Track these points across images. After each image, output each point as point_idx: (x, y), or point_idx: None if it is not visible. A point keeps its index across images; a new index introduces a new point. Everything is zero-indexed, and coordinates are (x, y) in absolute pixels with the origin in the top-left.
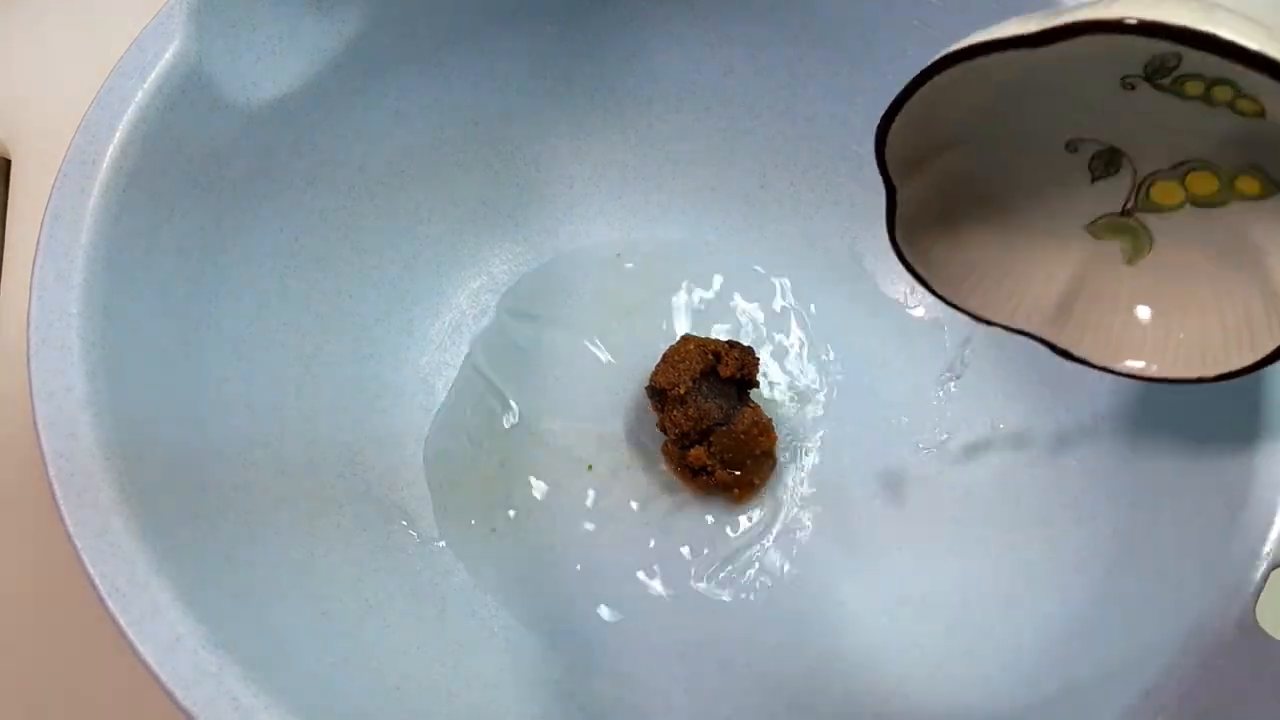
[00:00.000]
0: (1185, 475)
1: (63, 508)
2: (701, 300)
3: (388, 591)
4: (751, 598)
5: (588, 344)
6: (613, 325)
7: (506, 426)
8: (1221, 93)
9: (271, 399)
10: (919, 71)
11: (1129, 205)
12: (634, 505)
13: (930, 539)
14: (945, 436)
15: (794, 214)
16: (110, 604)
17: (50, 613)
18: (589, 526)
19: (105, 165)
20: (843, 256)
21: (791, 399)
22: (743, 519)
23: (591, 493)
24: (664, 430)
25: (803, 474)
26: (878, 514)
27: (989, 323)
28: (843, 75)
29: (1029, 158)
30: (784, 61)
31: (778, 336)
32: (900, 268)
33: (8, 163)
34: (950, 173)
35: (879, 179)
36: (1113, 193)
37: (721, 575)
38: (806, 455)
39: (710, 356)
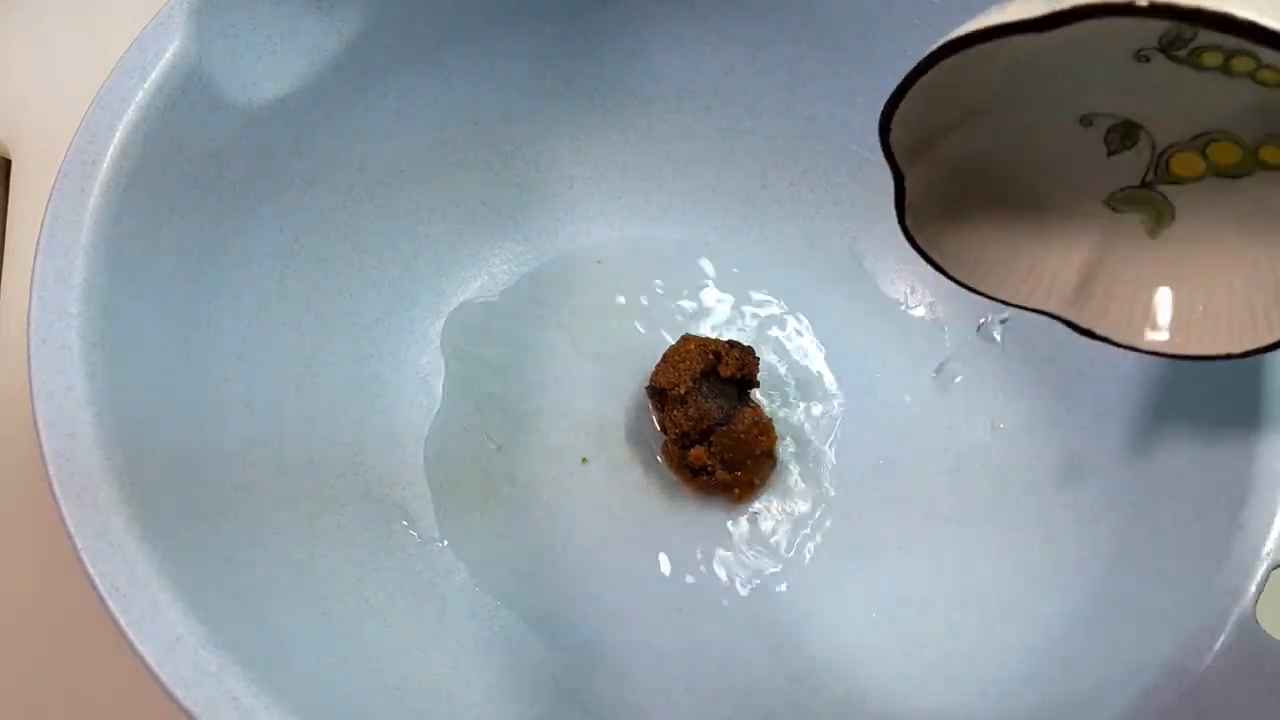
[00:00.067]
0: (1185, 475)
1: (63, 507)
2: (702, 300)
3: (388, 591)
4: (751, 597)
5: (588, 344)
6: (613, 325)
7: (506, 426)
8: (1242, 64)
9: (271, 399)
10: (921, 58)
11: (1148, 177)
12: (634, 505)
13: (930, 539)
14: (945, 437)
15: (794, 214)
16: (110, 604)
17: (50, 613)
18: (589, 526)
19: (105, 165)
20: (843, 256)
21: (792, 399)
22: (743, 519)
23: (591, 493)
24: (664, 430)
25: (803, 474)
26: (877, 514)
27: (1007, 304)
28: (843, 75)
29: (1041, 134)
30: (784, 61)
31: (778, 336)
32: (900, 268)
33: (8, 163)
34: (960, 154)
35: (879, 179)
36: (1131, 166)
37: (722, 575)
38: (806, 455)
39: (710, 356)
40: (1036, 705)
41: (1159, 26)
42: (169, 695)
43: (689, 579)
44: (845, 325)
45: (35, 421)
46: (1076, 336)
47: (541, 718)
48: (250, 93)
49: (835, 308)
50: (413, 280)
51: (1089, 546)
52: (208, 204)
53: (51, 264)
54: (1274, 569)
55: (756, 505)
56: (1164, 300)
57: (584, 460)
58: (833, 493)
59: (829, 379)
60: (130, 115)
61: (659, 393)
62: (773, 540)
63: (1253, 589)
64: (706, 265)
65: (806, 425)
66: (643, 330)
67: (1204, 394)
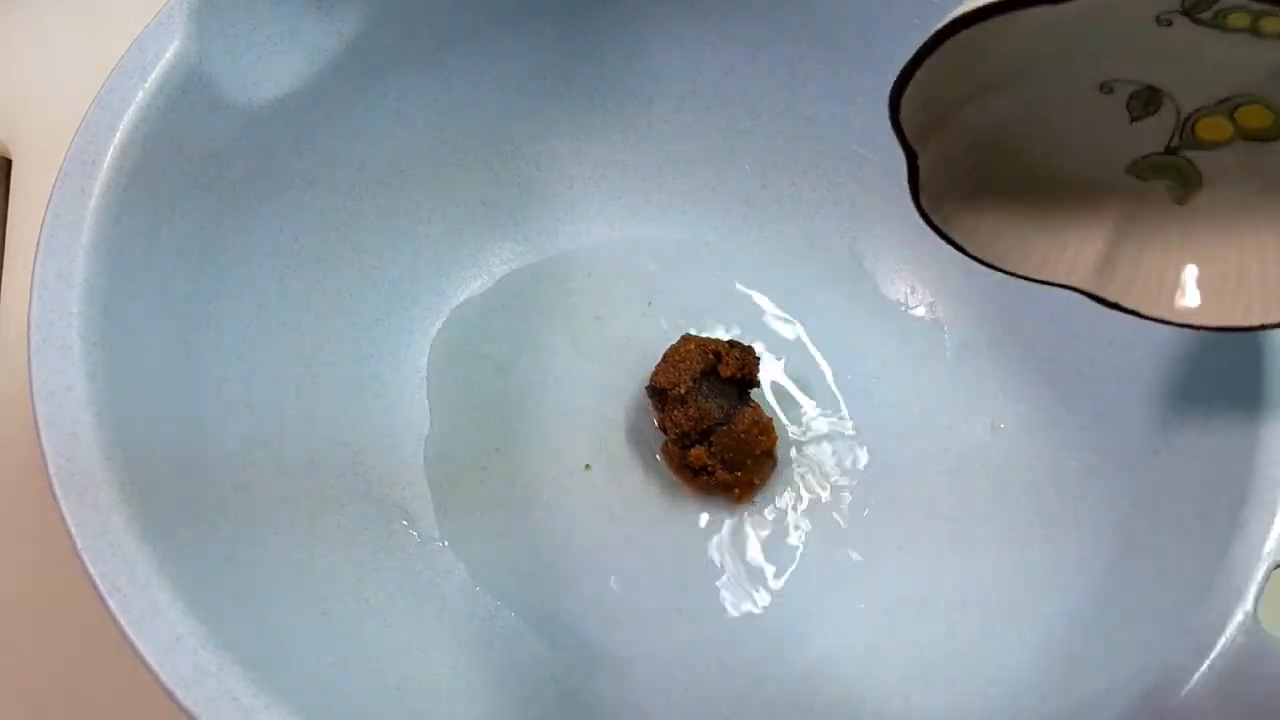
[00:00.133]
0: (1185, 475)
1: (63, 507)
2: (702, 300)
3: (388, 591)
4: (752, 596)
5: (588, 344)
6: (613, 325)
7: (507, 427)
8: (1271, 24)
9: (271, 399)
10: (932, 33)
11: (1173, 143)
12: (634, 505)
13: (930, 539)
14: (945, 437)
15: (794, 214)
16: (111, 603)
17: (50, 613)
18: (589, 526)
19: (106, 165)
20: (843, 256)
21: (792, 399)
22: (743, 519)
23: (591, 493)
24: (664, 430)
25: (802, 474)
26: (877, 514)
27: (1029, 280)
28: (843, 75)
29: (1059, 104)
30: (784, 61)
31: (778, 336)
32: (900, 268)
33: (8, 163)
34: (974, 129)
35: (879, 179)
36: (1154, 132)
37: (722, 574)
38: (806, 455)
39: (711, 356)
40: (1036, 705)
41: None
42: (169, 695)
43: (689, 579)
44: (845, 325)
45: (36, 421)
46: (1077, 336)
47: (541, 718)
48: (250, 93)
49: (835, 308)
50: (413, 280)
51: (1089, 546)
52: (208, 204)
53: (52, 264)
54: (1274, 569)
55: (757, 505)
56: (1193, 269)
57: (587, 467)
58: (832, 493)
59: (829, 379)
60: (130, 115)
61: (659, 393)
62: (773, 540)
63: (1253, 589)
64: (707, 265)
65: (806, 425)
66: (642, 330)
67: (1204, 394)
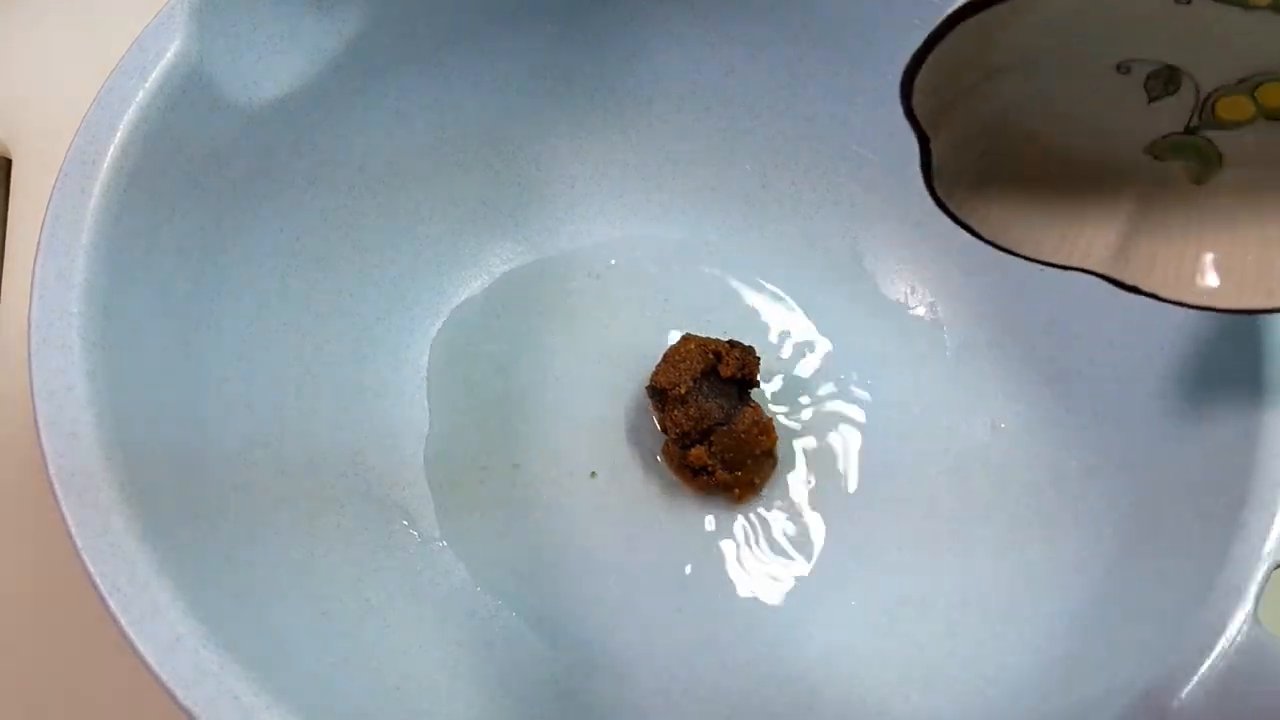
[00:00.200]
0: (1185, 475)
1: (63, 507)
2: (702, 300)
3: (388, 591)
4: (752, 597)
5: (588, 344)
6: (613, 325)
7: (507, 426)
8: None
9: (271, 399)
10: (943, 18)
11: (1193, 123)
12: (634, 505)
13: (930, 539)
14: (945, 437)
15: (794, 214)
16: (111, 603)
17: (50, 613)
18: (589, 526)
19: (106, 165)
20: (843, 256)
21: (792, 399)
22: (743, 519)
23: (591, 492)
24: (664, 430)
25: (803, 474)
26: (878, 514)
27: (1045, 265)
28: (843, 75)
29: (1075, 85)
30: (784, 61)
31: (778, 336)
32: (900, 268)
33: (8, 163)
34: (988, 112)
35: (879, 179)
36: (1173, 112)
37: (722, 574)
38: (806, 455)
39: (711, 356)
40: (1036, 705)
41: None
42: (169, 695)
43: (689, 579)
44: (845, 325)
45: (36, 421)
46: (1077, 336)
47: (541, 718)
48: (250, 93)
49: (835, 308)
50: (413, 280)
51: (1089, 546)
52: (208, 204)
53: (52, 264)
54: (1274, 569)
55: (757, 505)
56: (1213, 252)
57: (593, 474)
58: (833, 493)
59: (829, 379)
60: (131, 115)
61: (659, 392)
62: (773, 540)
63: (1253, 589)
64: (707, 265)
65: (807, 425)
66: (643, 330)
67: (1205, 394)
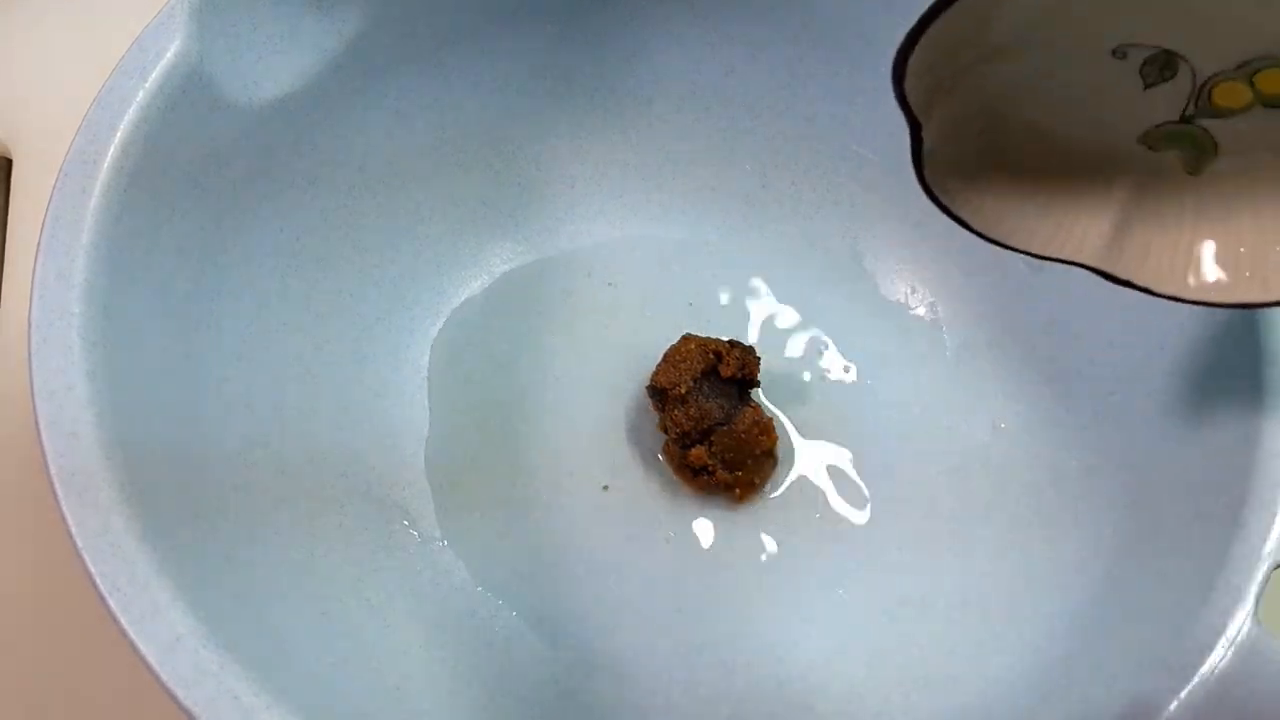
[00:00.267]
0: (1185, 475)
1: (63, 507)
2: (702, 300)
3: (388, 591)
4: (752, 597)
5: (588, 343)
6: (613, 325)
7: (507, 426)
8: None
9: (271, 399)
10: (931, 4)
11: (1188, 111)
12: (634, 505)
13: (930, 539)
14: (945, 437)
15: (794, 214)
16: (111, 603)
17: (50, 613)
18: (589, 526)
19: (106, 165)
20: (843, 256)
21: (792, 399)
22: (743, 518)
23: (591, 492)
24: (664, 430)
25: (803, 474)
26: (878, 514)
27: (1037, 257)
28: (843, 75)
29: (1070, 72)
30: (784, 61)
31: (778, 336)
32: (900, 268)
33: (9, 163)
34: (981, 98)
35: (879, 179)
36: (1169, 99)
37: (722, 575)
38: (807, 455)
39: (711, 356)
40: (1036, 705)
41: None
42: (169, 695)
43: (689, 579)
44: (845, 325)
45: (36, 421)
46: (1077, 336)
47: (541, 718)
48: (250, 93)
49: (835, 308)
50: (413, 280)
51: (1089, 546)
52: (208, 204)
53: (52, 264)
54: (1274, 569)
55: (757, 505)
56: (1208, 243)
57: (589, 468)
58: (833, 493)
59: (829, 379)
60: (131, 115)
61: (659, 392)
62: (773, 540)
63: (1253, 589)
64: (707, 265)
65: (807, 425)
66: (643, 330)
67: (1205, 394)
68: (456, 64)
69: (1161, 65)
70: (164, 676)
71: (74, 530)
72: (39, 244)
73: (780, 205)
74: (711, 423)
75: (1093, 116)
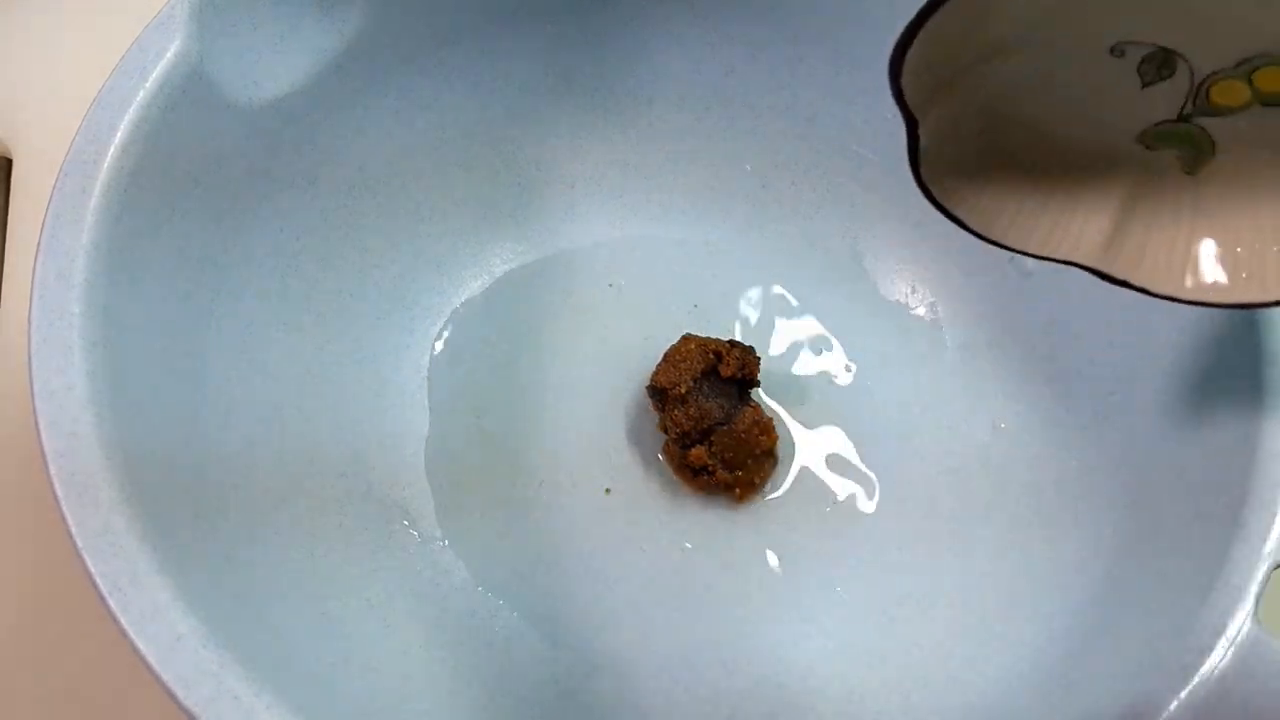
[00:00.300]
0: (1185, 475)
1: (63, 507)
2: (702, 300)
3: (388, 591)
4: (751, 597)
5: (588, 343)
6: (613, 325)
7: (507, 426)
8: None
9: (271, 399)
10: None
11: (1186, 110)
12: (634, 505)
13: (930, 539)
14: (945, 437)
15: (794, 214)
16: (111, 603)
17: (50, 613)
18: (589, 526)
19: (106, 165)
20: (843, 256)
21: (793, 399)
22: (743, 518)
23: (592, 492)
24: (664, 430)
25: (803, 474)
26: (878, 514)
27: (1034, 257)
28: (843, 75)
29: (1069, 69)
30: (784, 61)
31: (778, 336)
32: (901, 268)
33: (9, 162)
34: (979, 96)
35: (879, 179)
36: (1167, 98)
37: (722, 575)
38: (807, 455)
39: (711, 356)
40: (1036, 705)
41: None
42: (170, 694)
43: (689, 579)
44: (845, 325)
45: (36, 421)
46: (1077, 336)
47: (541, 718)
48: (250, 93)
49: (835, 308)
50: (413, 280)
51: (1089, 546)
52: (208, 204)
53: (52, 264)
54: (1274, 569)
55: (757, 505)
56: (1205, 243)
57: (589, 467)
58: (832, 492)
59: (829, 379)
60: (131, 115)
61: (659, 392)
62: (773, 540)
63: (1253, 589)
64: (707, 265)
65: (807, 425)
66: (643, 330)
67: (1204, 393)
68: (456, 64)
69: (1159, 64)
70: (164, 676)
71: (74, 530)
72: (39, 244)
73: (780, 205)
74: (711, 423)
75: (1091, 116)
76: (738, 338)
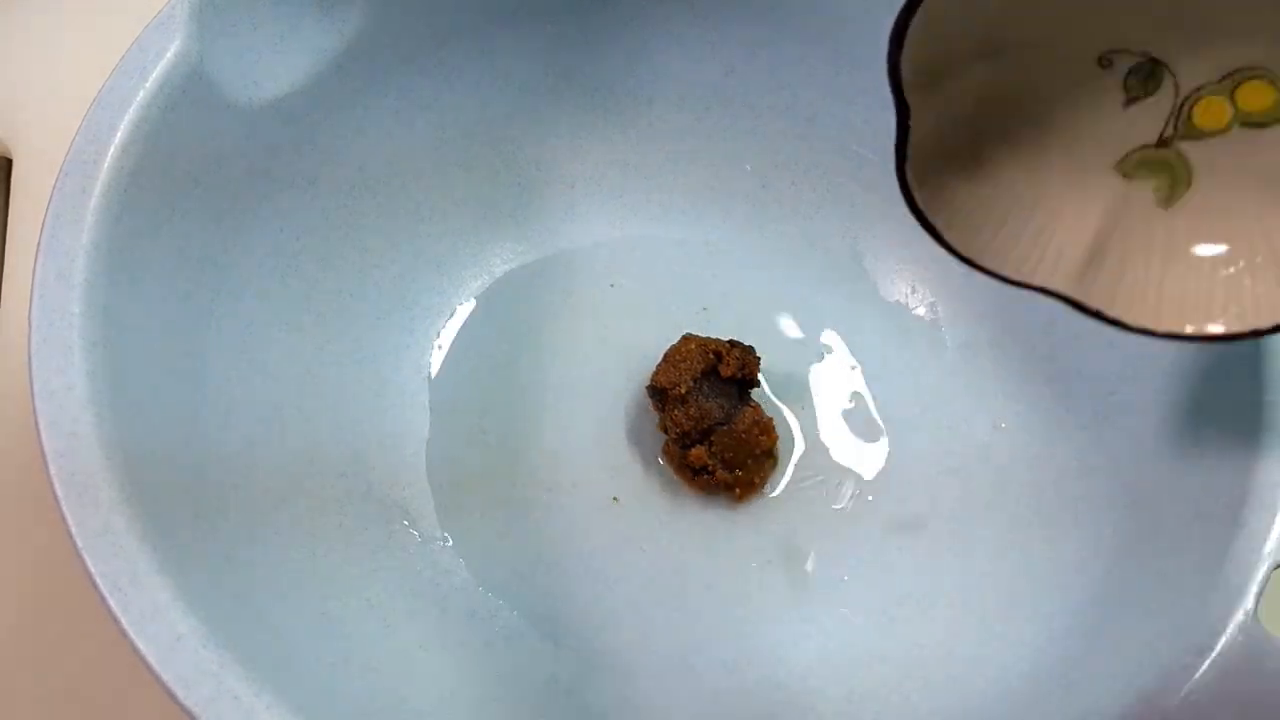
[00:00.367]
0: (1185, 475)
1: (63, 507)
2: (702, 299)
3: (388, 591)
4: (751, 597)
5: (588, 343)
6: (613, 325)
7: (507, 426)
8: None
9: (271, 399)
10: None
11: (1166, 133)
12: (634, 505)
13: (930, 539)
14: (945, 437)
15: (794, 214)
16: (111, 603)
17: (50, 613)
18: (589, 526)
19: (106, 165)
20: (843, 256)
21: (793, 399)
22: (743, 518)
23: (592, 492)
24: (664, 430)
25: (803, 474)
26: (877, 514)
27: (1009, 281)
28: (843, 75)
29: (1058, 77)
30: (784, 61)
31: (778, 336)
32: (901, 268)
33: (9, 162)
34: (973, 94)
35: (879, 179)
36: (1149, 117)
37: (722, 574)
38: (807, 455)
39: (711, 356)
40: (1036, 705)
41: None
42: (170, 694)
43: (690, 579)
44: (845, 325)
45: (36, 421)
46: (1077, 336)
47: (542, 718)
48: (250, 93)
49: (835, 308)
50: (413, 280)
51: (1089, 546)
52: (208, 204)
53: (52, 264)
54: (1274, 569)
55: (757, 505)
56: (1179, 276)
57: (589, 467)
58: (833, 492)
59: (829, 378)
60: (131, 115)
61: (659, 392)
62: (773, 540)
63: (1253, 589)
64: (707, 265)
65: (807, 425)
66: (643, 330)
67: (1205, 393)
68: (457, 64)
69: (1145, 76)
70: (164, 676)
71: (74, 530)
72: (39, 244)
73: (780, 205)
74: (711, 423)
75: (1073, 135)
76: (737, 338)
